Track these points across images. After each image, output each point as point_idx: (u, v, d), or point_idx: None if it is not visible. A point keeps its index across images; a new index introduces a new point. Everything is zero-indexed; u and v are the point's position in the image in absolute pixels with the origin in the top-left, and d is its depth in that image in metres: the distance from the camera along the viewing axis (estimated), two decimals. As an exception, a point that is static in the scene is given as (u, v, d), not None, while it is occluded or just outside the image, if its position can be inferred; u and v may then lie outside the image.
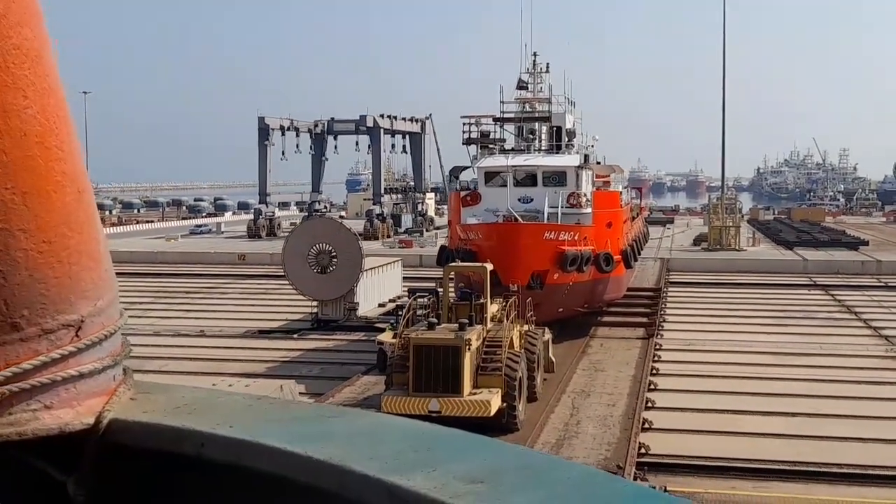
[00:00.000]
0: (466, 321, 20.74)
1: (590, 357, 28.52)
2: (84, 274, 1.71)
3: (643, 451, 18.41)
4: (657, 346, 29.53)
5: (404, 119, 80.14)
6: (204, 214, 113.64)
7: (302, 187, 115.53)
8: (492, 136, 37.84)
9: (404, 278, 40.55)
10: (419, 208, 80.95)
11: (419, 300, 24.52)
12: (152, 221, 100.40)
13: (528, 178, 34.47)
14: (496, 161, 35.00)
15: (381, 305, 36.60)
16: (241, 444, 1.61)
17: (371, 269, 36.19)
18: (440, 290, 23.97)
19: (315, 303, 34.20)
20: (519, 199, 33.20)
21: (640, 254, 42.56)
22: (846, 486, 16.71)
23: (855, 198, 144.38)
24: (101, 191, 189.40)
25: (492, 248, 28.52)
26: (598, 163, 40.45)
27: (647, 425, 20.14)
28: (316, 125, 77.76)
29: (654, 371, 25.89)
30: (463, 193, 34.98)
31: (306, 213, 75.89)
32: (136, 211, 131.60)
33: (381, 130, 75.57)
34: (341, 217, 77.27)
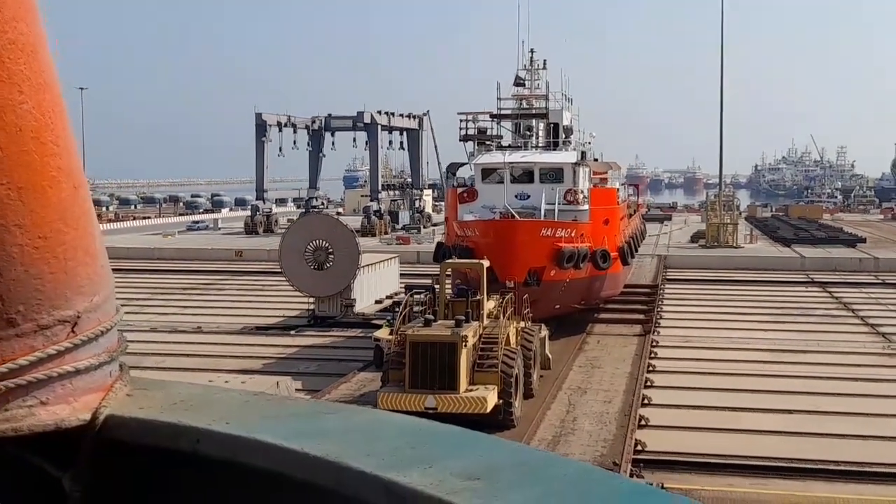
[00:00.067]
0: (463, 318, 20.76)
1: (586, 354, 28.56)
2: (80, 270, 1.71)
3: (639, 447, 18.45)
4: (654, 343, 29.58)
5: (402, 115, 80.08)
6: (201, 211, 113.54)
7: (299, 184, 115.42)
8: (489, 132, 37.84)
9: (401, 275, 40.55)
10: (416, 205, 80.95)
11: (416, 297, 24.53)
12: (149, 218, 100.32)
13: (525, 175, 34.47)
14: (493, 158, 34.99)
15: (377, 302, 36.60)
16: (237, 440, 1.61)
17: (368, 265, 36.19)
18: (437, 286, 23.98)
19: (312, 299, 34.19)
20: (516, 196, 33.20)
21: (637, 251, 42.60)
22: (843, 482, 16.77)
23: (852, 195, 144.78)
24: (97, 187, 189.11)
25: (489, 245, 28.53)
26: (596, 160, 40.46)
27: (643, 422, 20.18)
28: (313, 121, 77.68)
29: (651, 368, 25.93)
30: (460, 190, 34.98)
31: (303, 210, 75.84)
32: (132, 207, 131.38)
33: (379, 127, 75.53)
34: (338, 213, 77.26)
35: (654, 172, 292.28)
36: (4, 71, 1.57)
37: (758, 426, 20.04)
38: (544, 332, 25.80)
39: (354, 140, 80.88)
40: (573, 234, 31.00)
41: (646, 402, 22.00)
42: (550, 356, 26.07)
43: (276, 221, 75.29)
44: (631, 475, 16.32)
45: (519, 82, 39.78)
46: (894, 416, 20.66)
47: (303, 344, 30.38)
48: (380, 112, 76.19)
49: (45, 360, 1.65)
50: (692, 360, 27.13)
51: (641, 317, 34.29)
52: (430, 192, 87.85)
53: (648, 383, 23.97)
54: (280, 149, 76.36)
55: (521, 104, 39.31)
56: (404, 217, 78.30)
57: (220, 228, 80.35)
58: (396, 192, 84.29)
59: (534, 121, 38.62)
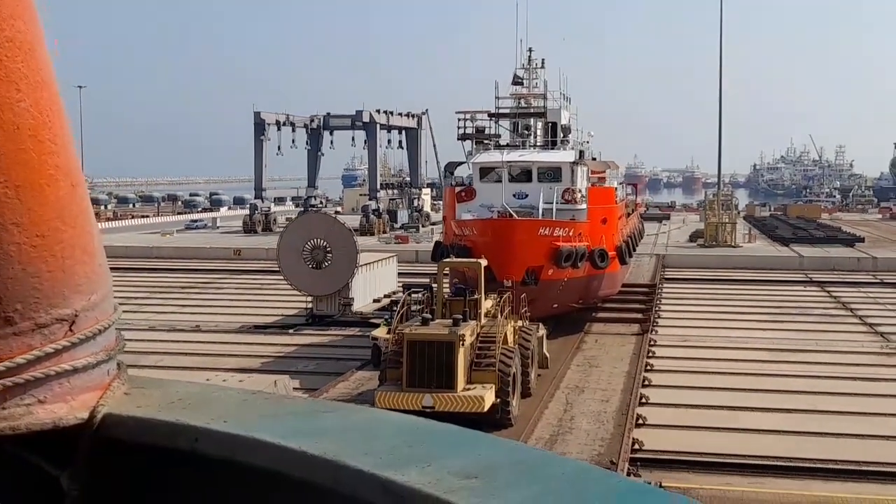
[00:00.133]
0: (460, 317, 20.76)
1: (584, 353, 28.57)
2: (78, 268, 1.71)
3: (637, 446, 18.46)
4: (651, 343, 29.61)
5: (400, 114, 79.99)
6: (199, 209, 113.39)
7: (298, 182, 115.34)
8: (487, 131, 37.82)
9: (400, 274, 40.54)
10: (415, 204, 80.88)
11: (413, 296, 24.54)
12: (147, 216, 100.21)
13: (523, 174, 34.47)
14: (491, 157, 34.98)
15: (375, 301, 36.60)
16: (235, 439, 1.61)
17: (366, 264, 36.19)
18: (434, 285, 23.99)
19: (310, 298, 34.18)
20: (514, 195, 33.20)
21: (635, 250, 42.64)
22: (842, 482, 16.79)
23: (851, 194, 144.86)
24: (96, 185, 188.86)
25: (486, 244, 28.53)
26: (594, 159, 40.46)
27: (640, 421, 20.19)
28: (312, 120, 77.59)
29: (649, 367, 25.95)
30: (458, 189, 34.98)
31: (302, 209, 75.79)
32: (131, 206, 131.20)
33: (378, 126, 75.45)
34: (337, 212, 77.18)
35: (652, 172, 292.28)
36: (2, 69, 1.57)
37: (756, 425, 20.06)
38: (542, 332, 25.81)
39: (353, 139, 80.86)
40: (571, 234, 31.01)
41: (643, 401, 22.01)
42: (548, 355, 26.09)
43: (275, 220, 75.21)
44: (628, 474, 16.34)
45: (517, 81, 39.77)
46: (892, 416, 20.69)
47: (301, 343, 30.37)
48: (378, 111, 76.11)
49: (43, 359, 1.65)
50: (690, 360, 27.15)
51: (639, 316, 34.31)
52: (428, 191, 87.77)
53: (646, 382, 23.99)
54: (279, 148, 76.29)
55: (519, 103, 39.30)
56: (403, 216, 78.24)
57: (218, 227, 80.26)
58: (395, 191, 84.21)
59: (532, 120, 38.62)
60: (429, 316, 21.35)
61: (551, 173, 34.27)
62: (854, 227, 76.42)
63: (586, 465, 1.53)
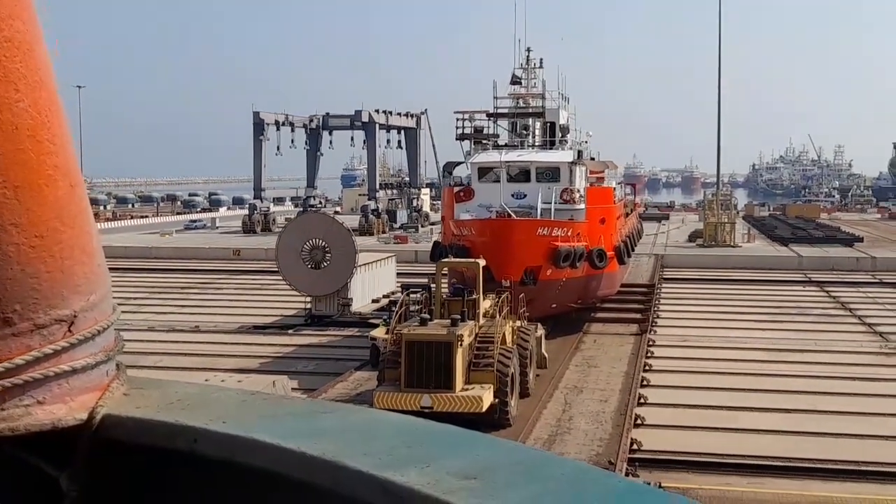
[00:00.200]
0: (459, 317, 20.76)
1: (583, 353, 28.58)
2: (77, 268, 1.70)
3: (635, 447, 18.47)
4: (650, 343, 29.62)
5: (399, 114, 79.98)
6: (198, 210, 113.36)
7: (297, 182, 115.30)
8: (485, 131, 37.82)
9: (399, 274, 40.54)
10: (414, 204, 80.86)
11: (412, 296, 24.54)
12: (147, 216, 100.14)
13: (522, 174, 34.48)
14: (489, 157, 34.99)
15: (374, 301, 36.59)
16: (234, 439, 1.61)
17: (365, 264, 36.18)
18: (433, 285, 23.99)
19: (309, 298, 34.17)
20: (512, 195, 33.21)
21: (633, 250, 42.67)
22: (841, 482, 16.80)
23: (850, 194, 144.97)
24: (95, 185, 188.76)
25: (485, 244, 28.53)
26: (592, 159, 40.47)
27: (639, 421, 20.20)
28: (311, 120, 77.56)
29: (647, 367, 25.96)
30: (456, 189, 34.98)
31: (301, 209, 75.75)
32: (130, 206, 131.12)
33: (377, 126, 75.43)
34: (336, 212, 77.14)
35: (651, 171, 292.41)
36: (0, 69, 1.57)
37: (755, 425, 20.07)
38: (540, 332, 25.81)
39: (352, 139, 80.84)
40: (569, 234, 31.02)
41: (642, 401, 22.02)
42: (547, 355, 26.09)
43: (274, 220, 75.15)
44: (626, 474, 16.35)
45: (515, 81, 39.77)
46: (892, 416, 20.70)
47: (300, 343, 30.36)
48: (378, 111, 76.09)
49: (42, 360, 1.65)
50: (689, 360, 27.16)
51: (638, 316, 34.33)
52: (427, 191, 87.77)
53: (645, 382, 24.00)
54: (278, 148, 76.26)
55: (517, 103, 39.30)
56: (402, 216, 78.22)
57: (217, 227, 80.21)
58: (394, 191, 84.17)
59: (530, 120, 38.61)
60: (427, 316, 21.34)
61: (550, 173, 34.27)
62: (853, 226, 76.49)
63: (585, 465, 1.53)
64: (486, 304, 23.38)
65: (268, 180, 78.68)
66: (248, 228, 72.80)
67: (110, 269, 1.85)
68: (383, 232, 69.49)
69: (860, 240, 62.37)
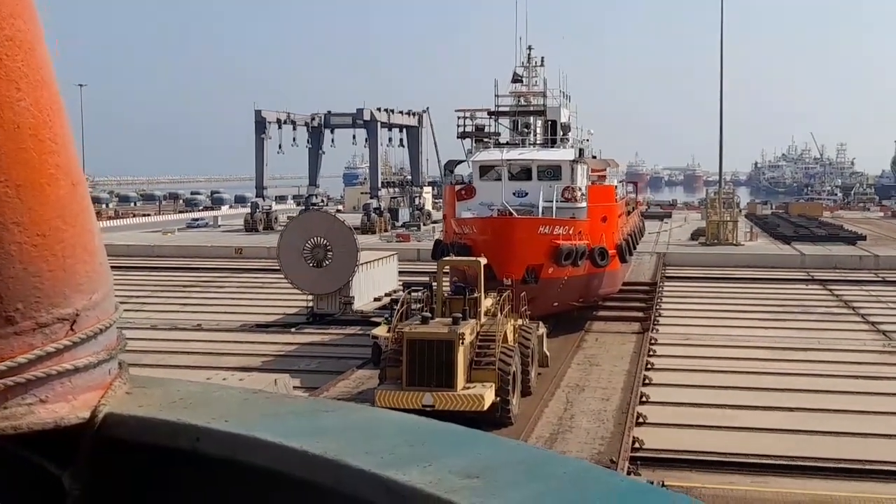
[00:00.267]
0: (460, 315, 20.76)
1: (584, 351, 28.57)
2: (79, 267, 1.71)
3: (637, 445, 18.46)
4: (652, 341, 29.60)
5: (401, 112, 79.96)
6: (201, 208, 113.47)
7: (299, 181, 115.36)
8: (486, 129, 37.80)
9: (401, 272, 40.55)
10: (416, 202, 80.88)
11: (413, 294, 24.54)
12: (149, 215, 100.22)
13: (523, 172, 34.47)
14: (491, 155, 34.98)
15: (376, 300, 36.62)
16: (236, 438, 1.61)
17: (366, 263, 36.19)
18: (434, 284, 23.99)
19: (311, 297, 34.19)
20: (514, 193, 33.20)
21: (635, 248, 42.62)
22: (843, 480, 16.79)
23: (852, 192, 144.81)
24: (97, 184, 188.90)
25: (486, 243, 28.53)
26: (594, 157, 40.45)
27: (641, 420, 20.19)
28: (313, 118, 77.55)
29: (649, 366, 25.95)
30: (457, 187, 34.97)
31: (303, 207, 75.77)
32: (132, 204, 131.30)
33: (379, 124, 75.42)
34: (338, 211, 77.20)
35: (653, 170, 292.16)
36: (2, 68, 1.57)
37: (757, 424, 20.05)
38: (542, 330, 25.81)
39: (354, 137, 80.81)
40: (571, 232, 31.00)
41: (644, 399, 22.01)
42: (548, 354, 26.08)
43: (276, 219, 75.18)
44: (628, 473, 16.35)
45: (517, 79, 39.73)
46: (894, 414, 20.68)
47: (302, 341, 30.39)
48: (379, 109, 76.08)
49: (44, 358, 1.65)
50: (691, 358, 27.14)
51: (640, 314, 34.31)
52: (429, 189, 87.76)
53: (647, 381, 23.99)
54: (280, 146, 76.24)
55: (518, 101, 39.26)
56: (404, 214, 78.23)
57: (219, 226, 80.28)
58: (396, 190, 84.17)
59: (532, 118, 38.59)
60: (428, 314, 21.35)
61: (551, 171, 34.26)
62: (855, 225, 76.40)
63: (587, 464, 1.53)
64: (487, 303, 23.37)
65: (270, 179, 78.67)
66: (250, 227, 72.84)
67: (112, 267, 1.86)
68: (385, 230, 69.48)
69: (863, 238, 62.29)
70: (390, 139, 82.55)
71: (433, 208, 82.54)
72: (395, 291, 36.86)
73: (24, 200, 1.61)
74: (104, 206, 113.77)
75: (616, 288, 36.49)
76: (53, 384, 1.67)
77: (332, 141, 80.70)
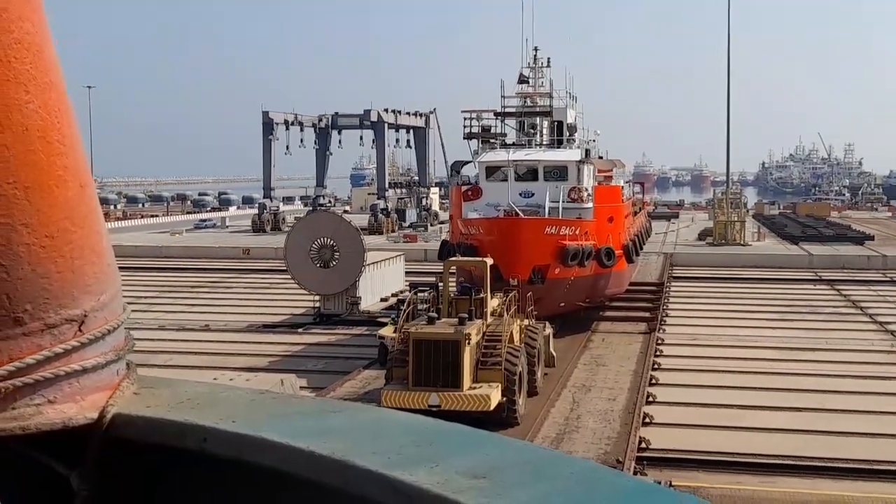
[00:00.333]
0: (466, 316, 20.75)
1: (591, 352, 28.52)
2: (87, 268, 1.71)
3: (643, 445, 18.42)
4: (659, 341, 29.52)
5: (408, 114, 80.00)
6: (208, 209, 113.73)
7: (306, 182, 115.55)
8: (493, 130, 37.79)
9: (409, 273, 40.56)
10: (423, 203, 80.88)
11: (420, 294, 24.54)
12: (157, 216, 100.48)
13: (530, 173, 34.44)
14: (497, 155, 34.96)
15: (383, 300, 36.63)
16: (243, 438, 1.61)
17: (373, 263, 36.22)
18: (440, 284, 23.99)
19: (318, 297, 34.24)
20: (520, 194, 33.18)
21: (642, 248, 42.51)
22: (852, 481, 16.71)
23: (860, 193, 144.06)
24: (105, 185, 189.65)
25: (493, 243, 28.52)
26: (600, 157, 40.37)
27: (647, 420, 20.14)
28: (320, 120, 77.68)
29: (656, 366, 25.88)
30: (464, 188, 34.96)
31: (311, 208, 75.87)
32: (140, 205, 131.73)
33: (386, 125, 75.48)
34: (345, 212, 77.19)
35: (661, 170, 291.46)
36: (10, 70, 1.58)
37: (765, 424, 19.97)
38: (548, 330, 25.78)
39: (361, 138, 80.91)
40: (577, 232, 30.96)
41: (650, 399, 21.95)
42: (555, 354, 26.05)
43: (284, 219, 75.26)
44: (634, 473, 16.31)
45: (523, 80, 39.70)
46: (902, 415, 20.57)
47: (309, 342, 30.44)
48: (386, 110, 76.14)
49: (53, 359, 1.66)
50: (698, 358, 27.05)
51: (647, 315, 34.22)
52: (436, 190, 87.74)
53: (653, 381, 23.93)
54: (287, 147, 76.38)
55: (525, 102, 39.24)
56: (411, 215, 78.25)
57: (227, 227, 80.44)
58: (403, 191, 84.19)
59: (538, 119, 38.55)
60: (435, 315, 21.34)
61: (557, 172, 34.21)
62: (863, 225, 76.02)
63: (594, 464, 1.53)
64: (493, 303, 23.36)
65: (277, 179, 78.90)
66: (257, 227, 72.98)
67: (120, 268, 1.86)
68: (392, 231, 69.51)
69: (871, 238, 61.97)
70: (397, 140, 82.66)
71: (440, 209, 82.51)
72: (401, 292, 36.87)
73: (32, 202, 1.62)
74: (112, 207, 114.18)
75: (623, 288, 36.41)
76: (62, 385, 1.67)
77: (340, 142, 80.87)
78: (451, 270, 24.96)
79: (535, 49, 40.29)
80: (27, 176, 1.61)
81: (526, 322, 24.18)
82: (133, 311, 1.88)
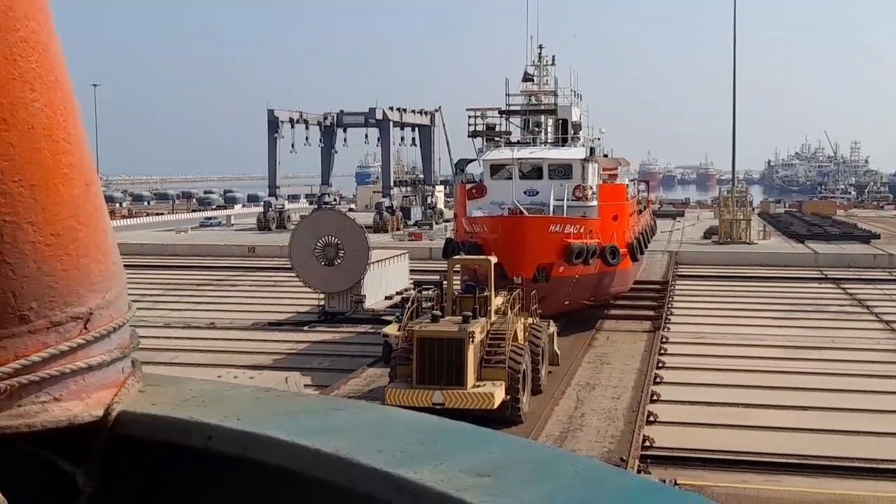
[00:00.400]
0: (470, 314, 20.75)
1: (595, 350, 28.50)
2: (92, 266, 1.72)
3: (647, 444, 18.40)
4: (664, 340, 29.47)
5: (414, 112, 79.96)
6: (214, 207, 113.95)
7: (311, 180, 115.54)
8: (497, 128, 37.77)
9: (414, 271, 40.58)
10: (429, 201, 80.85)
11: (424, 293, 24.55)
12: (162, 214, 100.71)
13: (534, 171, 34.41)
14: (502, 154, 34.94)
15: (387, 298, 36.65)
16: (248, 436, 1.62)
17: (378, 261, 36.24)
18: (445, 282, 23.99)
19: (322, 295, 34.28)
20: (525, 192, 33.15)
21: (646, 247, 42.47)
22: (857, 479, 16.67)
23: (866, 191, 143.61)
24: (111, 183, 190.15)
25: (497, 241, 28.50)
26: (605, 156, 40.29)
27: (651, 418, 20.12)
28: (325, 118, 77.68)
29: (660, 364, 25.85)
30: (468, 186, 34.95)
31: (316, 206, 75.93)
32: (146, 203, 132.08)
33: (391, 123, 75.44)
34: (351, 210, 77.31)
35: (666, 168, 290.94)
36: (16, 69, 1.58)
37: (770, 423, 19.93)
38: (553, 329, 25.77)
39: (366, 136, 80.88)
40: (582, 231, 30.92)
41: (655, 398, 21.93)
42: (559, 352, 26.03)
43: (289, 218, 75.31)
44: (638, 471, 16.29)
45: (528, 78, 39.66)
46: (908, 414, 20.51)
47: (314, 340, 30.48)
48: (392, 108, 76.12)
49: (58, 357, 1.66)
50: (703, 357, 27.00)
51: (651, 313, 34.17)
52: (442, 188, 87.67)
53: (658, 379, 23.90)
54: (292, 145, 76.41)
55: (529, 100, 39.20)
56: (416, 213, 78.23)
57: (232, 225, 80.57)
58: (408, 189, 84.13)
59: (542, 117, 38.52)
60: (439, 313, 21.35)
61: (562, 170, 34.17)
62: (870, 223, 75.76)
63: (598, 462, 1.53)
64: (497, 301, 23.35)
65: (282, 178, 78.86)
66: (262, 226, 73.06)
67: (126, 266, 1.87)
68: (398, 229, 69.51)
69: (877, 236, 61.75)
70: (403, 138, 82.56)
71: (445, 207, 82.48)
72: (406, 290, 36.90)
73: (38, 200, 1.62)
74: (118, 205, 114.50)
75: (627, 286, 36.36)
76: (67, 382, 1.68)
77: (345, 140, 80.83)
78: (455, 269, 24.96)
79: (540, 47, 40.27)
80: (33, 174, 1.62)
81: (530, 320, 24.17)
82: (138, 308, 1.88)
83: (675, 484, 15.27)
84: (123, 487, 1.77)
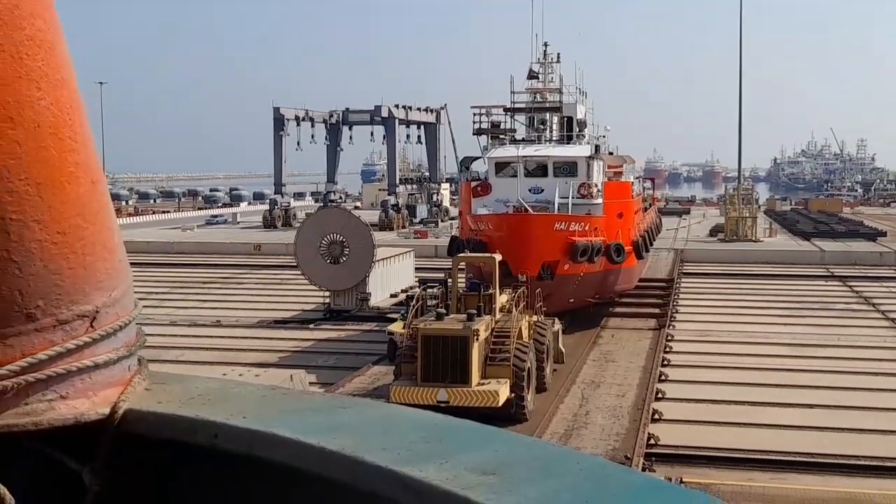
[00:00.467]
0: (475, 312, 20.75)
1: (600, 348, 28.46)
2: (98, 264, 1.72)
3: (652, 441, 18.38)
4: (669, 337, 29.42)
5: (419, 109, 79.90)
6: (220, 205, 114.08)
7: (317, 178, 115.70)
8: (502, 126, 37.73)
9: (419, 269, 40.58)
10: (434, 199, 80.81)
11: (429, 290, 24.56)
12: (168, 212, 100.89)
13: (539, 169, 34.36)
14: (507, 151, 34.90)
15: (393, 296, 36.68)
16: (254, 434, 1.62)
17: (383, 259, 36.26)
18: (449, 280, 23.99)
19: (327, 293, 34.32)
20: (529, 190, 33.11)
21: (652, 244, 42.36)
22: (864, 477, 16.63)
23: (873, 188, 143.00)
24: (117, 181, 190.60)
25: (502, 239, 28.49)
26: (610, 153, 40.23)
27: (656, 416, 20.10)
28: (331, 115, 77.67)
29: (666, 362, 25.80)
30: (473, 184, 34.92)
31: (322, 204, 75.96)
32: (152, 201, 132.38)
33: (397, 121, 75.39)
34: (356, 207, 77.30)
35: (672, 166, 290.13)
36: (23, 67, 1.59)
37: (776, 420, 19.89)
38: (557, 326, 25.75)
39: (372, 134, 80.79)
40: (587, 228, 30.88)
41: (660, 396, 21.90)
42: (564, 350, 26.00)
43: (295, 215, 75.30)
44: (643, 469, 16.26)
45: (533, 75, 39.59)
46: (914, 412, 20.43)
47: (319, 337, 30.52)
48: (397, 106, 76.07)
49: (65, 355, 1.67)
50: (708, 355, 26.95)
51: (657, 311, 34.12)
52: (447, 185, 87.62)
53: (663, 377, 23.86)
54: (298, 143, 76.44)
55: (534, 98, 39.14)
56: (422, 211, 78.19)
57: (238, 222, 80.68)
58: (414, 186, 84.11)
59: (547, 114, 38.45)
60: (443, 311, 21.35)
61: (567, 168, 34.12)
62: (876, 221, 75.44)
63: (603, 460, 1.53)
64: (502, 299, 23.34)
65: (288, 175, 79.03)
66: (268, 223, 73.14)
67: (132, 264, 1.87)
68: (403, 227, 69.50)
69: (883, 234, 61.49)
70: (408, 136, 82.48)
71: (451, 205, 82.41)
72: (411, 288, 36.91)
73: (44, 198, 1.63)
74: (124, 203, 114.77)
75: (632, 284, 36.30)
76: (73, 380, 1.69)
77: (351, 138, 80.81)
78: (460, 266, 24.94)
79: (545, 44, 40.18)
80: (39, 172, 1.62)
81: (535, 318, 24.15)
82: (144, 306, 1.88)
83: (681, 482, 15.25)
84: (130, 485, 1.78)
